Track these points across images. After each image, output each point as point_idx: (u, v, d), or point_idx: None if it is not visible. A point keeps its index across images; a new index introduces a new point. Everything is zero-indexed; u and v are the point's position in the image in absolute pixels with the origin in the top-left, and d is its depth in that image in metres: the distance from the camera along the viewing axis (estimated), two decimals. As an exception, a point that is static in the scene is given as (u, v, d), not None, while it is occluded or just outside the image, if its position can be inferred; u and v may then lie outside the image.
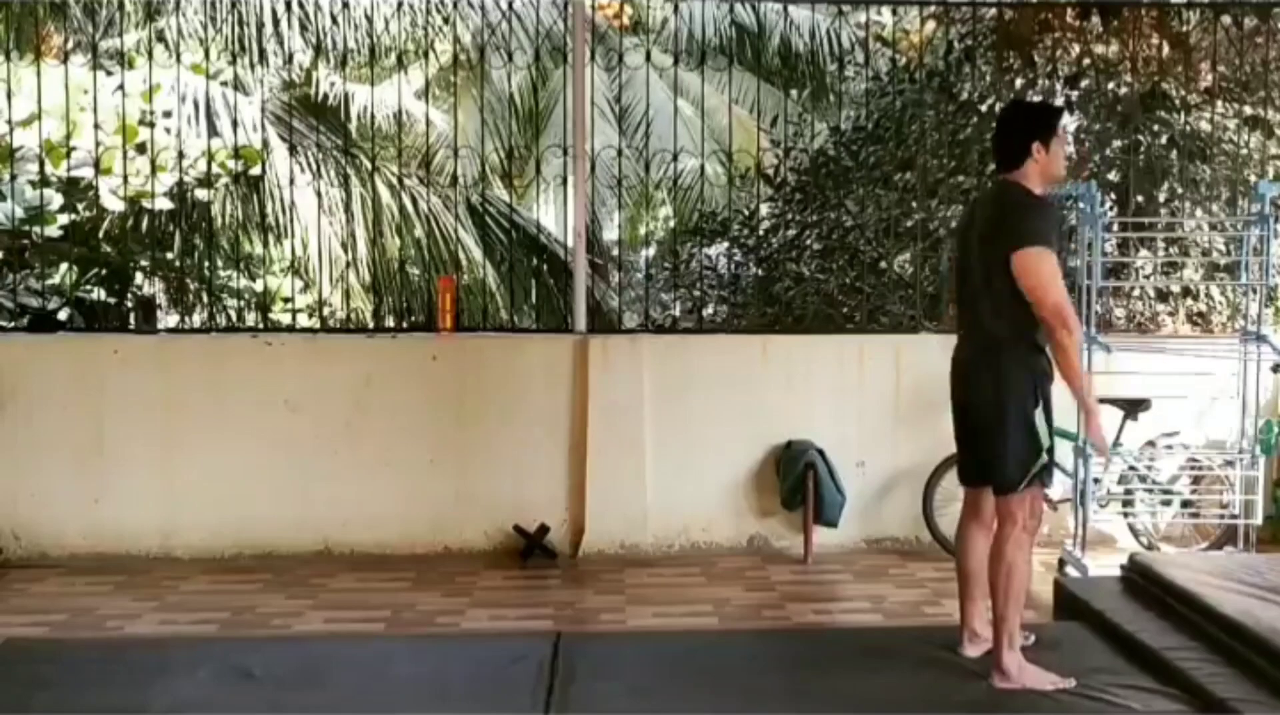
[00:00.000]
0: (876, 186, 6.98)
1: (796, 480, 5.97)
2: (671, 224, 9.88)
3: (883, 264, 6.99)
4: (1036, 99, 6.70)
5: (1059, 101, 7.26)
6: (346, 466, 6.08)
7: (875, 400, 6.26)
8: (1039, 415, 3.80)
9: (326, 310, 8.37)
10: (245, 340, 6.28)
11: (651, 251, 8.31)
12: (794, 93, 9.88)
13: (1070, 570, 5.60)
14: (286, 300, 9.69)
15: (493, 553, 6.10)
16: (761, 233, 7.42)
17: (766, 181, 7.41)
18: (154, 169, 6.99)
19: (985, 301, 3.89)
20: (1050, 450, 3.83)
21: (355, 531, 6.08)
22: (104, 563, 5.90)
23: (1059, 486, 6.02)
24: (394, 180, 10.09)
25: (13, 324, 7.16)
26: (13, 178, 7.15)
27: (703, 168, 6.61)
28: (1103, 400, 5.59)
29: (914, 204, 6.88)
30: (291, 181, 7.64)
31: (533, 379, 6.16)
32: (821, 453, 6.03)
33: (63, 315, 7.92)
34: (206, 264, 7.88)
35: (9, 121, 7.94)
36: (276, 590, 5.53)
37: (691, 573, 5.86)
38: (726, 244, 7.91)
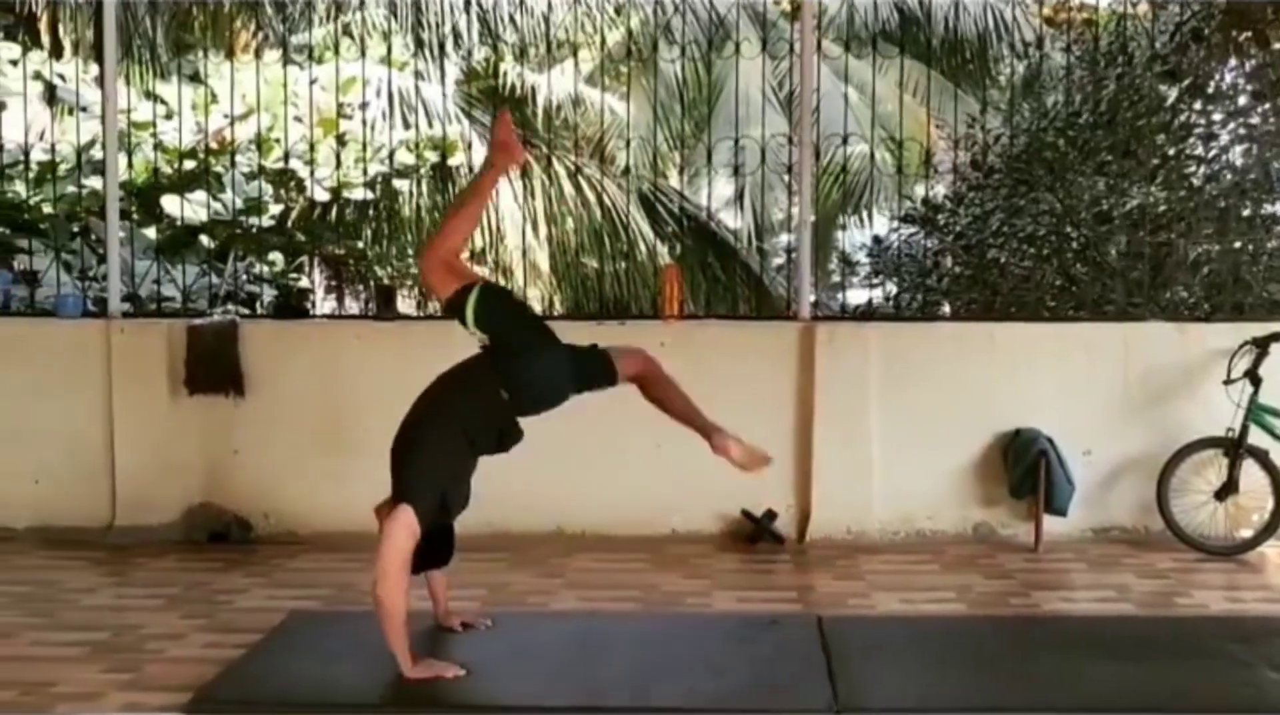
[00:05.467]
0: (1093, 172, 6.89)
1: (1027, 468, 5.94)
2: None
3: (1099, 251, 6.91)
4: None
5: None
6: (575, 450, 6.17)
7: (1103, 389, 6.18)
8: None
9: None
10: (481, 326, 6.43)
11: (867, 237, 8.29)
12: (1003, 79, 9.78)
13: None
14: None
15: (719, 536, 6.20)
16: (970, 219, 7.39)
17: (974, 167, 7.36)
18: (392, 160, 7.22)
19: None
20: None
21: (585, 513, 6.21)
22: (349, 541, 6.09)
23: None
24: (574, 169, 10.28)
25: (220, 309, 7.36)
26: (259, 174, 7.43)
27: (928, 154, 6.60)
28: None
29: (1132, 189, 6.78)
30: (518, 176, 7.80)
31: (758, 365, 6.22)
32: (1051, 441, 5.99)
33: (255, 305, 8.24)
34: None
35: (225, 115, 8.29)
36: (522, 568, 5.69)
37: (923, 559, 5.87)
38: (921, 229, 7.90)
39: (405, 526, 4.01)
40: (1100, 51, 7.02)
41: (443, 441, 4.12)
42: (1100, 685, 4.01)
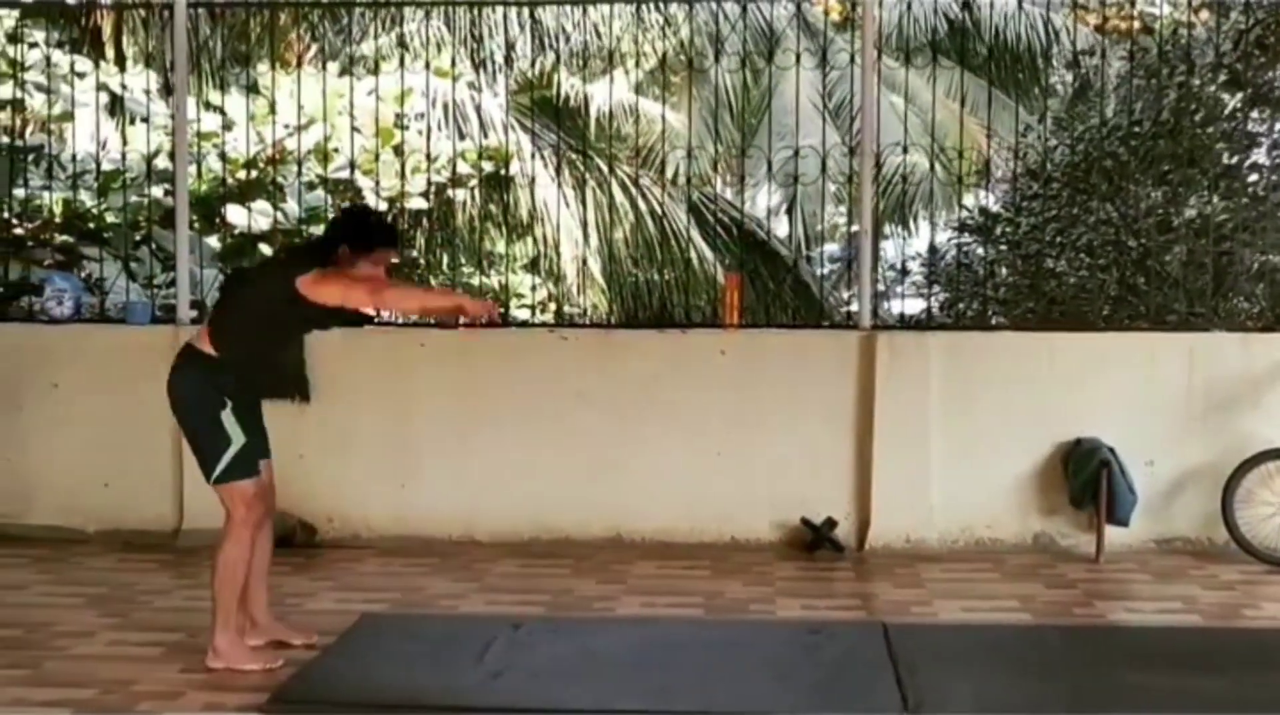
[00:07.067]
0: (1154, 182, 6.86)
1: (1088, 478, 5.92)
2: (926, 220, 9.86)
3: (1158, 260, 6.88)
4: None
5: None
6: (635, 456, 6.26)
7: (1166, 399, 6.14)
8: (226, 415, 4.26)
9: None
10: (542, 334, 6.52)
11: (922, 246, 8.28)
12: (1060, 88, 9.77)
13: None
14: (520, 297, 10.03)
15: (778, 544, 6.21)
16: (1026, 229, 7.38)
17: (1032, 177, 7.36)
18: (454, 169, 7.26)
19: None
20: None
21: (644, 520, 6.25)
22: (411, 545, 6.19)
23: None
24: (628, 180, 10.35)
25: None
26: (320, 183, 7.53)
27: (987, 164, 6.61)
28: None
29: (1191, 199, 6.75)
30: (557, 182, 7.88)
31: (818, 373, 6.24)
32: (1113, 451, 5.97)
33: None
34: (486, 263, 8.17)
35: (286, 126, 8.42)
36: (584, 574, 5.73)
37: (984, 569, 5.86)
38: (976, 238, 7.88)
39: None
40: (1161, 59, 6.97)
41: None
42: (1173, 696, 4.00)
